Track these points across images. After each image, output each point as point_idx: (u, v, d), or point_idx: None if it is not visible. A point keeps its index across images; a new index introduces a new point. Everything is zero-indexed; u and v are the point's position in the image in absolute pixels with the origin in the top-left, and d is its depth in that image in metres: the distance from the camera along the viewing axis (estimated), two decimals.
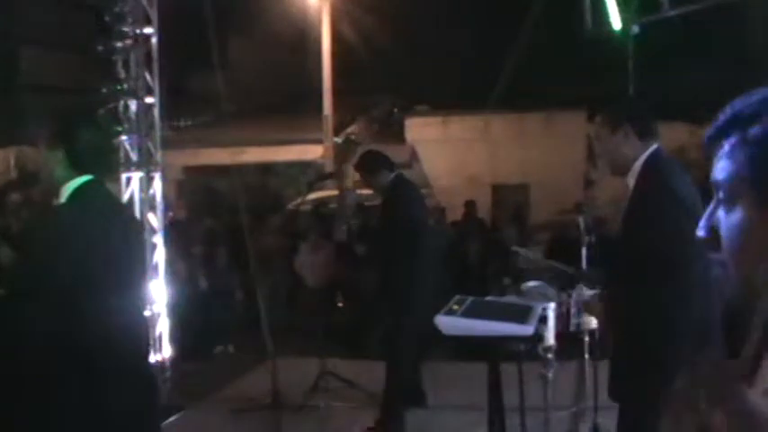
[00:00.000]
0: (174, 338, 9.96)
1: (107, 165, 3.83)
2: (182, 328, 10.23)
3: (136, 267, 3.81)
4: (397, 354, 7.53)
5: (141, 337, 3.87)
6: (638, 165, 4.31)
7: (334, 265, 12.88)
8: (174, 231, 11.63)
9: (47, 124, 3.68)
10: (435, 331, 4.77)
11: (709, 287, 4.11)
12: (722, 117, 1.52)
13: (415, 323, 7.21)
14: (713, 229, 1.54)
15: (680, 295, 4.14)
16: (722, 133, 1.52)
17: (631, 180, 4.34)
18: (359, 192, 14.80)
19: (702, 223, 1.57)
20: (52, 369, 3.40)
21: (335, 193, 17.26)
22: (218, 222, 15.16)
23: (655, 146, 4.34)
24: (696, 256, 3.98)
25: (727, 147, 1.50)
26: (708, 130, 1.54)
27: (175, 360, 9.73)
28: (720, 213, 1.54)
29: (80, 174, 3.57)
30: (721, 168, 1.51)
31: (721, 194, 1.52)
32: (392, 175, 7.70)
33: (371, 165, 7.84)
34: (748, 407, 1.34)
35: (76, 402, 3.40)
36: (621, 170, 4.40)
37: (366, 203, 13.52)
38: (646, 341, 4.25)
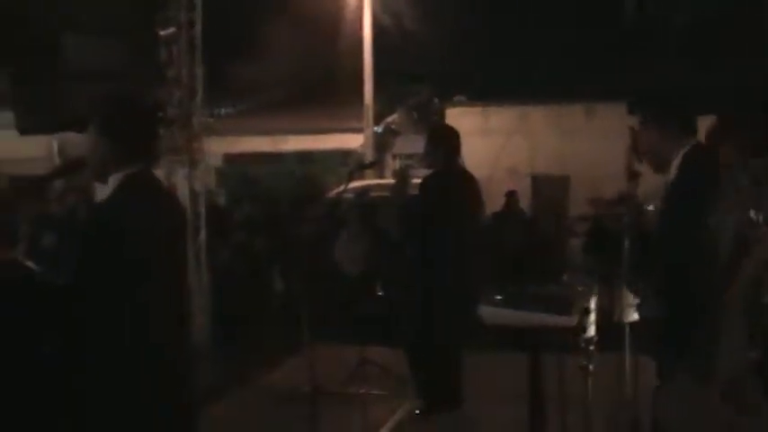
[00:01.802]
0: (213, 326, 10.02)
1: (155, 153, 3.81)
2: (220, 316, 10.28)
3: (182, 256, 3.81)
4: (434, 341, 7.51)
5: (185, 327, 3.87)
6: (677, 161, 4.27)
7: (373, 253, 12.87)
8: (213, 219, 11.68)
9: (96, 111, 3.60)
10: (475, 321, 4.76)
11: None
12: None
13: (448, 312, 7.20)
14: None
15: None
16: None
17: (672, 175, 4.30)
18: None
19: None
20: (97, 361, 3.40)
21: (376, 182, 17.25)
22: (258, 210, 15.20)
23: (694, 142, 4.29)
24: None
25: None
26: None
27: (214, 348, 9.79)
28: None
29: (129, 162, 3.54)
30: None
31: None
32: (443, 160, 7.64)
33: (442, 138, 7.77)
34: None
35: (119, 396, 3.40)
36: (662, 167, 4.35)
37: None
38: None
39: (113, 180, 3.54)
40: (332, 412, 7.68)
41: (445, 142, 7.68)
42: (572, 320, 4.52)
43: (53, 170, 3.81)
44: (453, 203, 7.61)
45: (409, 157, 22.15)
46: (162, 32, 9.53)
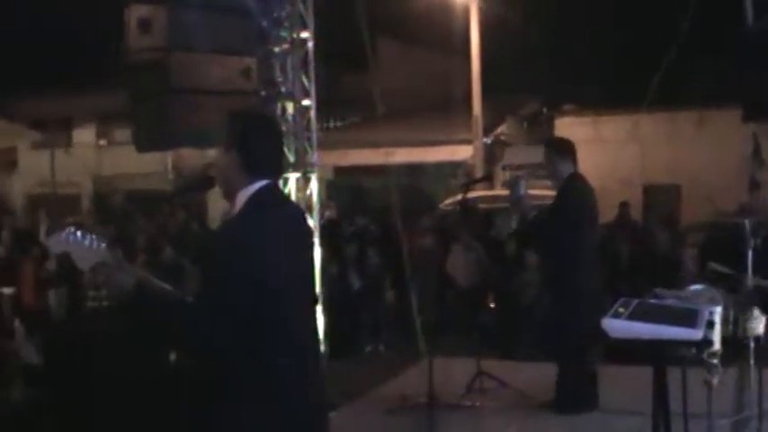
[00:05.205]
0: (327, 337, 10.12)
1: (281, 167, 3.84)
2: (333, 327, 10.37)
3: (311, 270, 3.85)
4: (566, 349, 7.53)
5: (317, 339, 3.93)
6: None
7: (486, 266, 12.86)
8: (326, 231, 11.82)
9: (228, 127, 3.64)
10: (596, 332, 4.71)
11: None
12: None
13: (579, 318, 7.20)
14: None
15: None
16: None
17: None
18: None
19: None
20: (236, 375, 3.43)
21: (486, 193, 17.26)
22: (370, 222, 15.33)
23: None
24: None
25: None
26: None
27: (328, 358, 9.88)
28: None
29: (256, 177, 3.57)
30: None
31: None
32: (573, 169, 7.72)
33: (564, 148, 7.83)
34: None
35: (259, 411, 3.43)
36: None
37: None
38: None
39: (242, 195, 3.58)
40: (448, 424, 7.69)
41: (570, 152, 7.76)
42: (698, 333, 4.43)
43: (183, 186, 3.87)
44: (590, 209, 7.79)
45: (519, 167, 22.09)
46: (276, 49, 9.71)
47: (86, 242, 3.46)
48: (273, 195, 3.65)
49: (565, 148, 7.88)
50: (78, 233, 3.45)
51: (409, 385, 8.71)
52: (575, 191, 7.71)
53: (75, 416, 7.51)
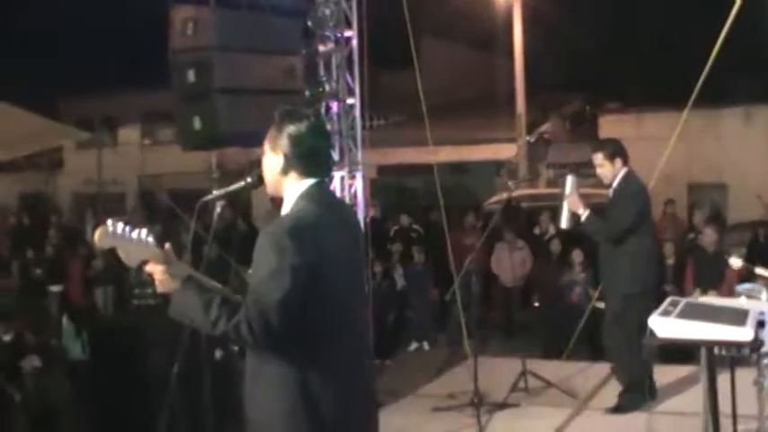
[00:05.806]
0: (372, 335, 10.14)
1: (329, 167, 3.83)
2: (378, 326, 10.39)
3: (361, 268, 3.86)
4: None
5: (367, 335, 3.94)
6: None
7: (531, 265, 12.84)
8: (370, 230, 11.85)
9: (269, 126, 3.64)
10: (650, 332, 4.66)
11: None
12: None
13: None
14: None
15: None
16: None
17: None
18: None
19: None
20: (285, 371, 3.44)
21: (530, 191, 17.23)
22: (414, 220, 15.34)
23: None
24: None
25: None
26: None
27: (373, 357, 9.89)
28: None
29: (305, 177, 3.58)
30: None
31: None
32: (626, 169, 7.68)
33: (615, 150, 7.77)
34: None
35: (308, 406, 3.45)
36: None
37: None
38: None
39: (292, 194, 3.59)
40: (493, 423, 7.67)
41: (617, 153, 7.71)
42: (748, 333, 4.36)
43: (237, 186, 3.86)
44: (647, 209, 7.88)
45: (563, 165, 22.00)
46: (321, 48, 9.74)
47: (135, 237, 3.48)
48: (323, 194, 3.64)
49: (612, 149, 7.80)
50: (127, 228, 3.47)
51: (455, 384, 8.70)
52: (635, 190, 7.67)
53: (121, 412, 7.58)
